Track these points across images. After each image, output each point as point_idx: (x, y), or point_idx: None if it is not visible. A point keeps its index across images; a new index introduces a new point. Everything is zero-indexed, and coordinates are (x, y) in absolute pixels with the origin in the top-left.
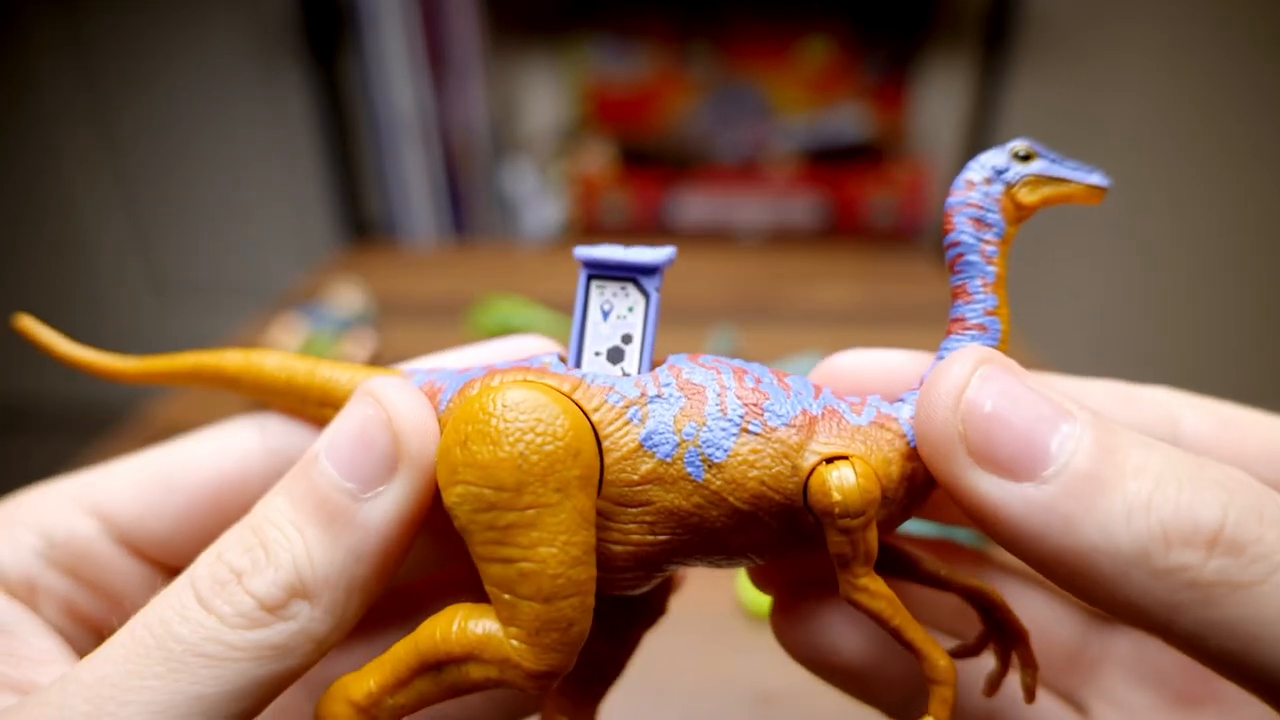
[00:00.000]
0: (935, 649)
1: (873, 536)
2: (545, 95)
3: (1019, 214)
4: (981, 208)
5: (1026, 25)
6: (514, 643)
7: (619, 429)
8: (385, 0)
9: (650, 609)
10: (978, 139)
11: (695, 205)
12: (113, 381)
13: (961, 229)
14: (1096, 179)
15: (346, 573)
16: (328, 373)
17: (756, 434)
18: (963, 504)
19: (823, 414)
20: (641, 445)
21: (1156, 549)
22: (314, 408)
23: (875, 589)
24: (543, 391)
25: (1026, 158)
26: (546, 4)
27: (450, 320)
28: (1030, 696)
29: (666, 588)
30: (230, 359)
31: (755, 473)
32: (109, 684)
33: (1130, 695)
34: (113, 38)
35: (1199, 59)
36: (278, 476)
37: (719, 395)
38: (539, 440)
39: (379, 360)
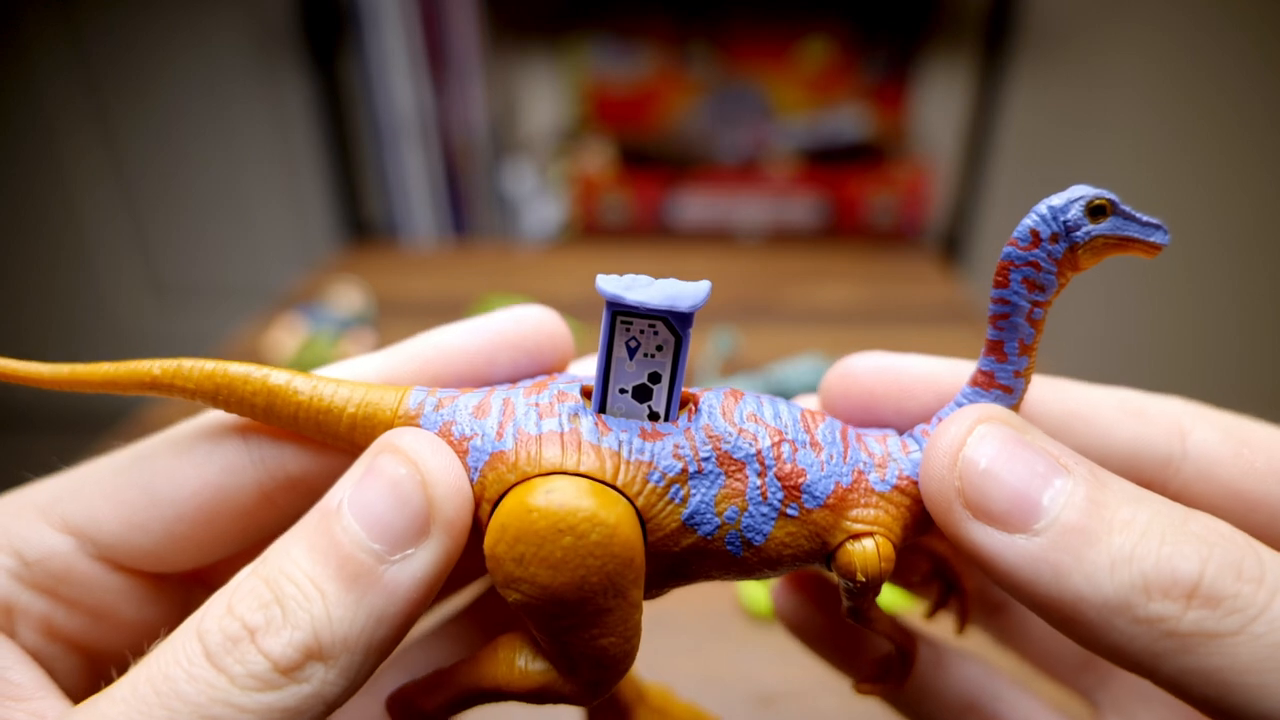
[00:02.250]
0: (908, 640)
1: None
2: (545, 95)
3: (1074, 273)
4: (1040, 268)
5: (1026, 26)
6: (571, 688)
7: (662, 509)
8: (385, 0)
9: None
10: (978, 139)
11: (695, 205)
12: (43, 388)
13: (1015, 288)
14: (1159, 238)
15: (366, 635)
16: (319, 397)
17: (794, 518)
18: (962, 552)
19: (852, 483)
20: (684, 524)
21: (1138, 599)
22: (310, 432)
23: (875, 616)
24: (589, 493)
25: (1099, 212)
26: (546, 4)
27: (450, 320)
28: (959, 630)
29: None
30: (193, 373)
31: (789, 552)
32: None
33: (1141, 709)
34: (113, 38)
35: (1199, 60)
36: (269, 489)
37: (759, 476)
38: (598, 563)
39: None
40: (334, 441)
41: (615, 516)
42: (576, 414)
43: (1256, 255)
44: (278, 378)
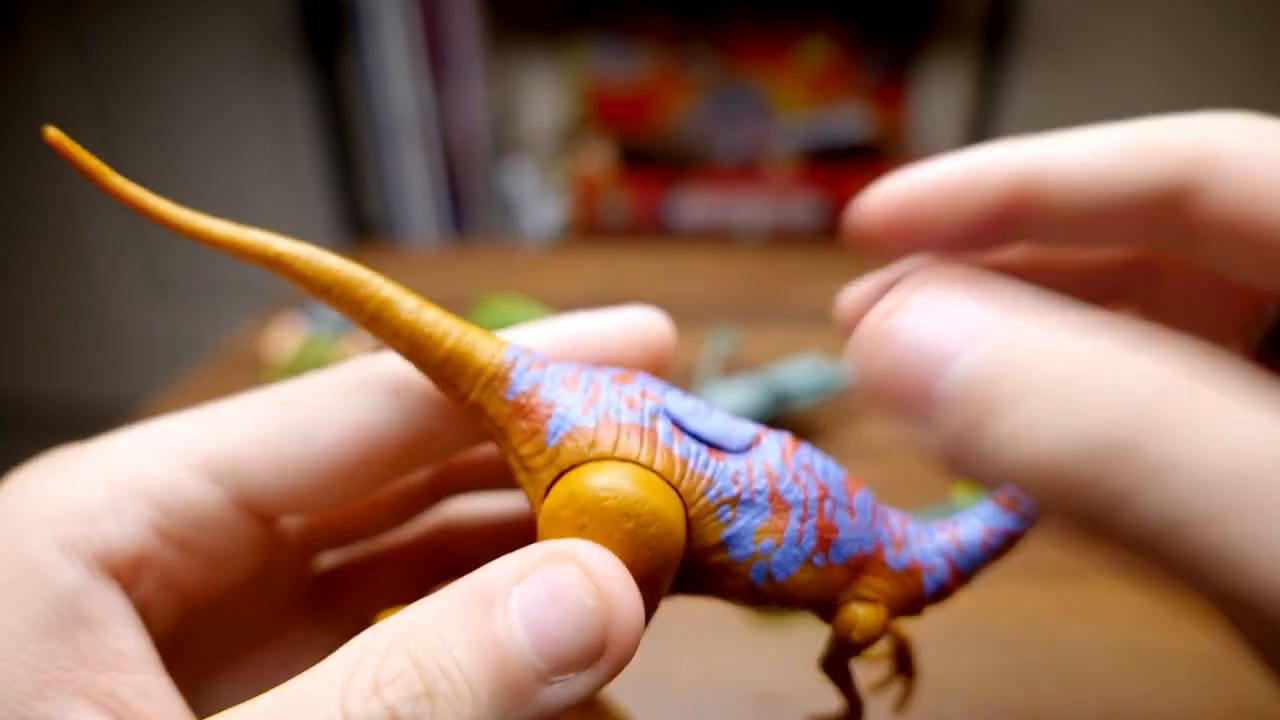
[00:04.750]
0: (858, 706)
1: None
2: (545, 95)
3: None
4: None
5: (1026, 25)
6: None
7: (709, 522)
8: (385, 0)
9: None
10: (978, 139)
11: (695, 205)
12: (162, 225)
13: None
14: None
15: None
16: (423, 321)
17: (818, 567)
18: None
19: (872, 553)
20: (722, 541)
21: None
22: (401, 352)
23: (849, 674)
24: (658, 489)
25: None
26: (546, 4)
27: None
28: (900, 709)
29: None
30: (311, 262)
31: (802, 595)
32: None
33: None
34: (113, 38)
35: (1199, 59)
36: (412, 439)
37: (800, 521)
38: (648, 554)
39: None
40: (420, 367)
41: (675, 516)
42: (657, 415)
43: None
44: (390, 290)
